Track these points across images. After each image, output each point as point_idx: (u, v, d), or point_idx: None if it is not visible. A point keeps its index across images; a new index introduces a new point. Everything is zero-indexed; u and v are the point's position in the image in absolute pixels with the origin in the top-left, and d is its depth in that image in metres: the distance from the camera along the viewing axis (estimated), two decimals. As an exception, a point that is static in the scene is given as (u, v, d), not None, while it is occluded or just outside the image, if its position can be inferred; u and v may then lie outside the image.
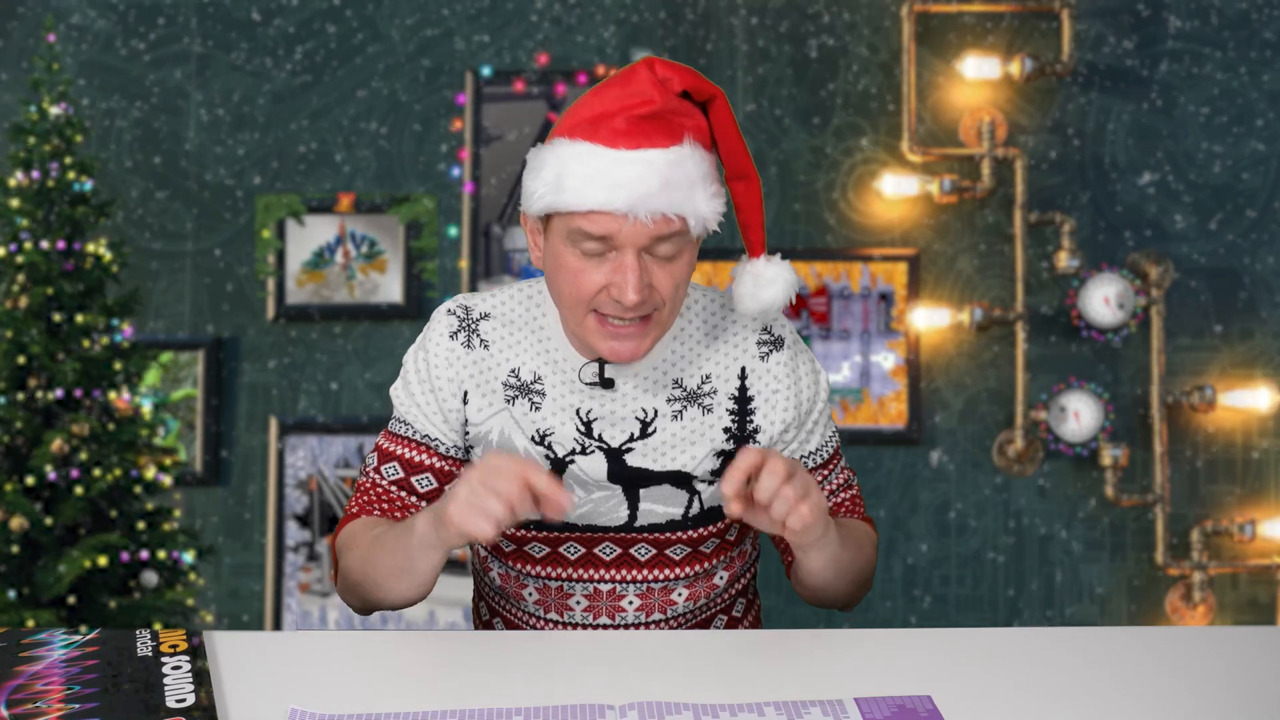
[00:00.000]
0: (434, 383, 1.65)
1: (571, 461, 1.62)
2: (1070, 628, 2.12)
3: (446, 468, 1.67)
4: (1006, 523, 3.69)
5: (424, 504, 1.67)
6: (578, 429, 1.62)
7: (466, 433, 1.66)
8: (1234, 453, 3.68)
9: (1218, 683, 1.40)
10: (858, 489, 1.76)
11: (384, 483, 1.67)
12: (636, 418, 1.62)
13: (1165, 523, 3.60)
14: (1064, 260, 3.58)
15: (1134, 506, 3.65)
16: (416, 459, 1.67)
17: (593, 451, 1.62)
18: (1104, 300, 3.59)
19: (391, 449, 1.68)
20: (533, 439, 1.62)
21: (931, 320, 3.66)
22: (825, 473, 1.71)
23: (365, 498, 1.69)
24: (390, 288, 3.74)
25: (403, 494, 1.67)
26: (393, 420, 1.70)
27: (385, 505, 1.67)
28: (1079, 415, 3.59)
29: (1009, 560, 3.69)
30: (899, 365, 3.68)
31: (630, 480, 1.62)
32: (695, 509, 1.65)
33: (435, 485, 1.67)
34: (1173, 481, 3.66)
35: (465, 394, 1.64)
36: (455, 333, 1.65)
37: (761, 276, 1.58)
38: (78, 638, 1.43)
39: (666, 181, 1.47)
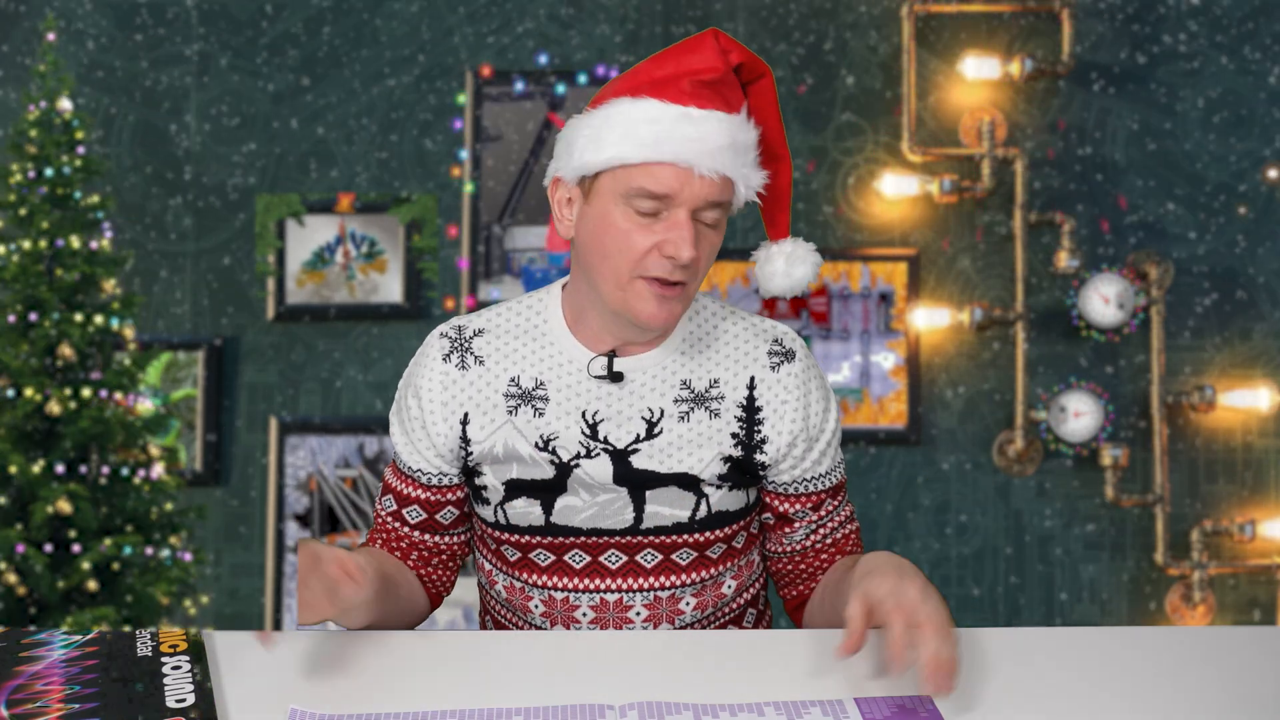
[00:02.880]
0: (425, 408, 1.65)
1: (576, 466, 1.61)
2: (1070, 628, 2.12)
3: (433, 499, 1.68)
4: (1006, 523, 3.69)
5: (416, 534, 1.70)
6: (583, 431, 1.61)
7: (470, 453, 1.65)
8: (1234, 453, 3.68)
9: (1218, 683, 1.40)
10: (857, 526, 1.75)
11: (384, 514, 1.72)
12: (643, 417, 1.61)
13: (1165, 523, 3.60)
14: (1064, 260, 3.58)
15: (1134, 506, 3.65)
16: (404, 491, 1.69)
17: (598, 454, 1.61)
18: (1104, 300, 3.59)
19: (390, 481, 1.72)
20: (537, 445, 1.62)
21: (931, 320, 3.66)
22: (835, 502, 1.70)
23: (374, 526, 1.75)
24: (390, 288, 3.74)
25: (397, 525, 1.71)
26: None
27: (385, 536, 1.72)
28: (1079, 415, 3.59)
29: (1009, 560, 3.69)
30: (899, 365, 3.68)
31: (636, 482, 1.61)
32: (703, 512, 1.63)
33: (424, 516, 1.69)
34: (1173, 481, 3.66)
35: (465, 415, 1.64)
36: (448, 355, 1.65)
37: (794, 255, 1.61)
38: (78, 638, 1.42)
39: (732, 143, 1.51)
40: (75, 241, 3.18)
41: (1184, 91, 3.70)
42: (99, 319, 3.18)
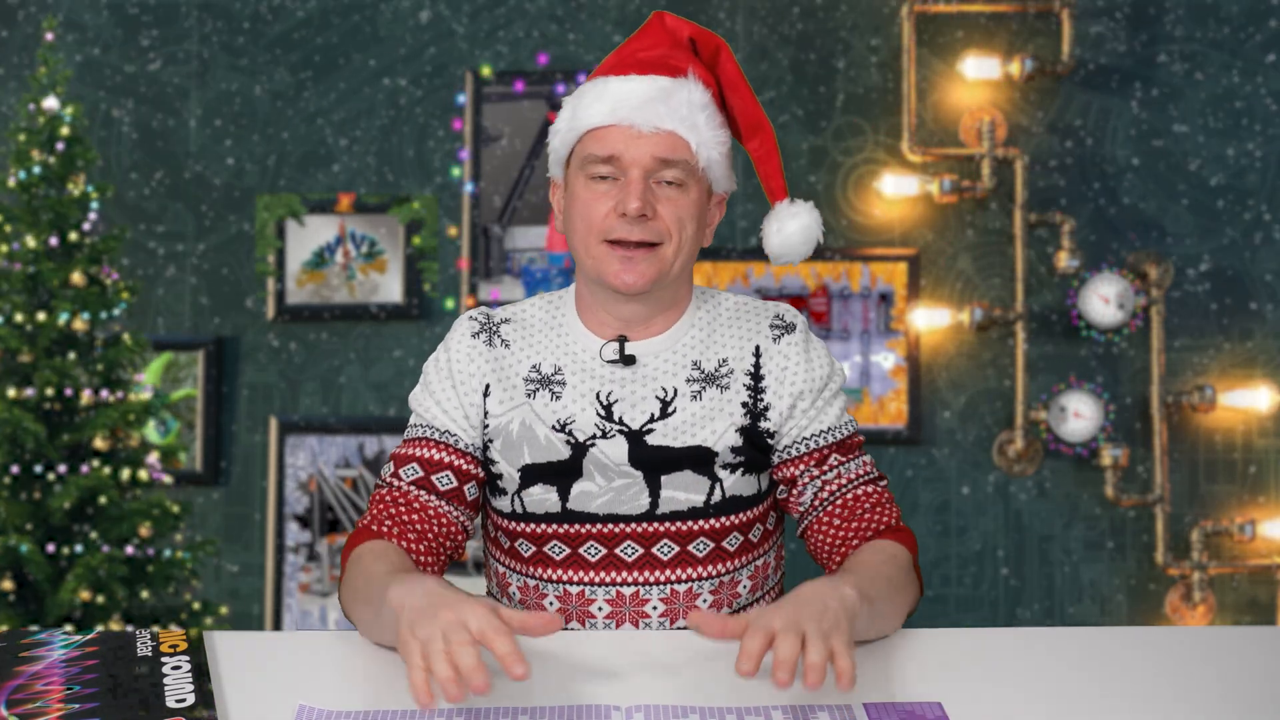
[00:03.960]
0: (455, 377, 1.69)
1: (592, 445, 1.64)
2: (1070, 628, 2.12)
3: (465, 465, 1.67)
4: (1006, 523, 3.69)
5: (443, 504, 1.65)
6: (598, 414, 1.64)
7: (486, 425, 1.68)
8: (1234, 453, 3.68)
9: (1218, 683, 1.40)
10: (884, 491, 1.68)
11: (403, 484, 1.65)
12: (657, 397, 1.65)
13: (1165, 523, 3.60)
14: (1064, 260, 3.58)
15: (1134, 506, 3.65)
16: (435, 457, 1.66)
17: (613, 435, 1.64)
18: (1104, 300, 3.59)
19: (410, 453, 1.67)
20: (553, 427, 1.65)
21: (931, 320, 3.66)
22: (843, 459, 1.68)
23: (378, 509, 1.65)
24: (390, 288, 3.74)
25: (421, 493, 1.64)
26: (409, 428, 1.71)
27: (402, 506, 1.64)
28: (1079, 415, 3.59)
29: (1009, 560, 3.69)
30: (899, 365, 3.68)
31: (651, 464, 1.63)
32: (717, 495, 1.65)
33: (455, 484, 1.66)
34: (1173, 481, 3.66)
35: (487, 386, 1.68)
36: (478, 333, 1.72)
37: (784, 213, 1.67)
38: (78, 638, 1.43)
39: (668, 99, 1.60)
40: (31, 240, 3.16)
41: (1184, 91, 3.70)
42: (41, 316, 3.15)
